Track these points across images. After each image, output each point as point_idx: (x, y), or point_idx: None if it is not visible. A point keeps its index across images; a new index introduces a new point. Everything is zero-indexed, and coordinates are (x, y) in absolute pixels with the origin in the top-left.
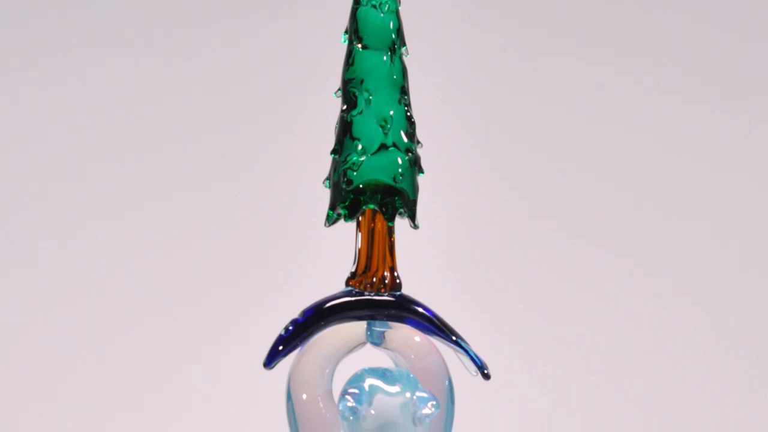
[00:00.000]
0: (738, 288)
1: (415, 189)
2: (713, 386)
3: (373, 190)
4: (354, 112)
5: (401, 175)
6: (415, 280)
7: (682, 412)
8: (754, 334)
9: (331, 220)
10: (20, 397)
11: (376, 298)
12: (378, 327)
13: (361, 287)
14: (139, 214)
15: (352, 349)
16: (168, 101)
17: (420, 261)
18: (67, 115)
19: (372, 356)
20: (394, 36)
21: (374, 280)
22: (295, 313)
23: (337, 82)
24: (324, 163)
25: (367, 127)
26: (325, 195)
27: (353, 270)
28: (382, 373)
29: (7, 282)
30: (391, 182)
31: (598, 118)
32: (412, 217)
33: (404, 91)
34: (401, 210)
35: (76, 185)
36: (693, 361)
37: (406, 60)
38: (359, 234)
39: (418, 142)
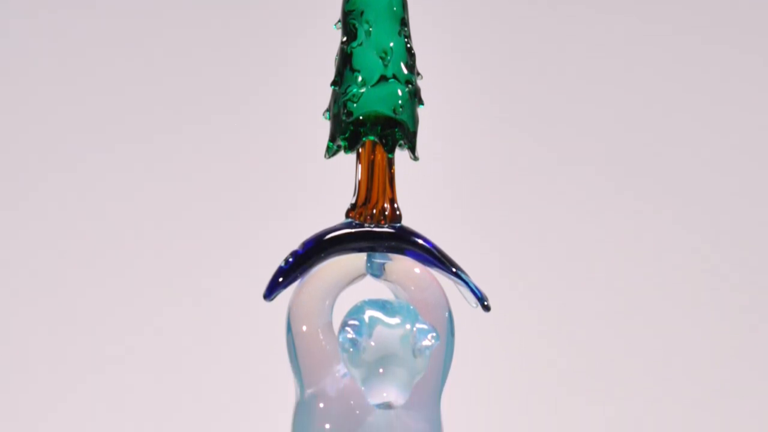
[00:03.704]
0: (730, 209)
1: (415, 121)
2: (711, 308)
3: (373, 122)
4: (354, 44)
5: (401, 106)
6: (415, 212)
7: (685, 341)
8: (748, 254)
9: (331, 152)
10: (24, 344)
11: (376, 229)
12: (378, 259)
13: (361, 219)
14: (139, 147)
15: (352, 281)
16: (168, 33)
17: (420, 193)
18: (59, 51)
19: (372, 288)
20: None
21: (374, 211)
22: (295, 244)
23: (337, 14)
24: (324, 95)
25: (367, 58)
26: (325, 127)
27: (353, 202)
28: (382, 305)
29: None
30: (391, 114)
31: (599, 50)
32: (412, 148)
33: (404, 22)
34: (401, 142)
35: (79, 113)
36: (692, 287)
37: None
38: (359, 166)
39: (418, 74)
